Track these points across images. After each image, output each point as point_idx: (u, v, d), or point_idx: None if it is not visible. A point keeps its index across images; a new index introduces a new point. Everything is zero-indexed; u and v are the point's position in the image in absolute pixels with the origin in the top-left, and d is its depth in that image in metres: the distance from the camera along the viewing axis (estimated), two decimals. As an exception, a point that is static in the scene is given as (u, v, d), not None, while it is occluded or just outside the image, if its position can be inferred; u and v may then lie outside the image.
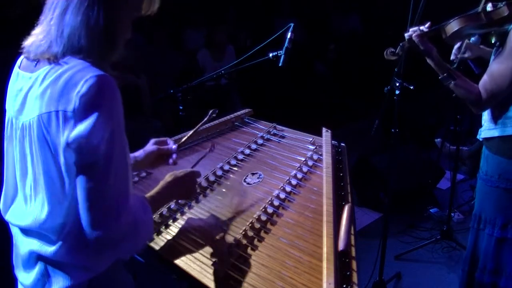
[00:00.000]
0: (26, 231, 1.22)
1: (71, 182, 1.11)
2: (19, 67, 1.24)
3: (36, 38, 1.17)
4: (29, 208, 1.19)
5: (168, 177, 1.45)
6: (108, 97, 1.08)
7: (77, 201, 1.12)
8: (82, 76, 1.08)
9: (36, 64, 1.17)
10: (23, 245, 1.23)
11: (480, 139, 2.11)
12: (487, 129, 2.06)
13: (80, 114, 1.06)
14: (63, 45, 1.12)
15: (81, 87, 1.06)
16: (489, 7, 2.00)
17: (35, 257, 1.19)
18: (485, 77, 1.97)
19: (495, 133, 2.01)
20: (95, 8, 1.12)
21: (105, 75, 1.09)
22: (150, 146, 1.58)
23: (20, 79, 1.21)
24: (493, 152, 2.03)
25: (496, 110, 2.03)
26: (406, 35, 2.12)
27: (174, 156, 1.56)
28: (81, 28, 1.11)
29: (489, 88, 1.95)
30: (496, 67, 1.94)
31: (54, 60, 1.13)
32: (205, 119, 1.80)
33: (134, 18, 1.23)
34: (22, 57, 1.25)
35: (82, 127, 1.06)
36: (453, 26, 2.04)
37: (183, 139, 1.68)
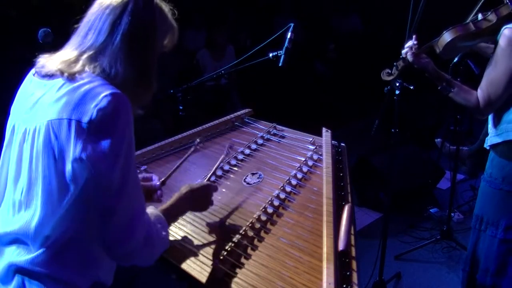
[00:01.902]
0: (6, 239, 1.19)
1: (74, 193, 1.11)
2: (34, 75, 1.25)
3: (58, 60, 1.18)
4: (17, 214, 1.17)
5: (183, 189, 1.44)
6: (124, 117, 1.11)
7: (71, 215, 1.12)
8: (102, 90, 1.10)
9: (51, 76, 1.18)
10: (2, 258, 1.20)
11: (487, 148, 2.12)
12: (492, 135, 2.07)
13: (96, 130, 1.07)
14: (91, 72, 1.15)
15: (100, 101, 1.08)
16: (479, 17, 2.03)
17: (13, 270, 1.17)
18: (481, 84, 2.00)
19: (498, 139, 2.03)
20: (136, 47, 1.16)
21: (123, 94, 1.12)
22: None
23: (34, 84, 1.22)
24: (499, 155, 2.04)
25: (497, 117, 2.05)
26: (403, 52, 2.17)
27: (158, 192, 1.52)
28: (119, 67, 1.15)
29: (485, 94, 1.97)
30: (488, 74, 1.97)
31: (70, 76, 1.14)
32: (190, 151, 1.76)
33: (159, 55, 1.27)
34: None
35: (99, 147, 1.07)
36: (445, 38, 2.09)
37: (168, 174, 1.62)
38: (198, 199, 1.47)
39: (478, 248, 2.16)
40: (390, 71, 2.32)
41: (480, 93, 1.99)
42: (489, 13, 2.01)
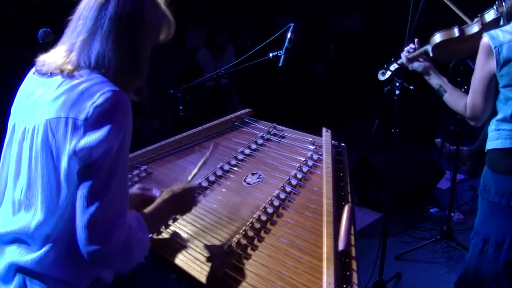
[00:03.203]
0: (6, 238, 1.18)
1: (69, 192, 1.11)
2: (34, 73, 1.26)
3: (55, 56, 1.19)
4: (17, 214, 1.17)
5: (165, 194, 1.41)
6: (121, 113, 1.11)
7: (69, 214, 1.11)
8: (99, 88, 1.10)
9: (50, 74, 1.19)
10: (2, 257, 1.19)
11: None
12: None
13: (91, 125, 1.08)
14: (86, 65, 1.15)
15: (97, 99, 1.09)
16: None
17: (14, 269, 1.16)
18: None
19: (486, 147, 2.02)
20: (125, 35, 1.16)
21: (121, 92, 1.12)
22: (135, 189, 1.53)
23: (33, 83, 1.22)
24: (485, 163, 2.03)
25: (486, 126, 2.04)
26: (402, 54, 2.26)
27: None
28: (110, 53, 1.15)
29: (470, 102, 1.96)
30: (471, 81, 1.96)
31: (69, 74, 1.14)
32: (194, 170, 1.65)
33: (153, 44, 1.27)
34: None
35: (92, 138, 1.07)
36: (431, 42, 2.13)
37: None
38: (181, 202, 1.44)
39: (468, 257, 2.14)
40: (384, 72, 2.42)
41: (467, 100, 1.98)
42: (474, 22, 2.02)
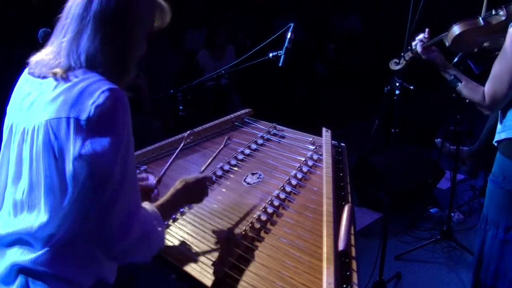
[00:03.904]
0: (7, 240, 1.18)
1: (74, 192, 1.10)
2: (29, 74, 1.24)
3: (44, 57, 1.18)
4: (19, 215, 1.16)
5: (178, 184, 1.44)
6: (122, 112, 1.11)
7: (75, 213, 1.11)
8: (98, 87, 1.10)
9: (44, 77, 1.18)
10: (3, 259, 1.19)
11: (495, 144, 2.12)
12: (498, 132, 2.07)
13: (94, 126, 1.07)
14: (77, 65, 1.14)
15: (97, 98, 1.08)
16: (493, 12, 2.03)
17: (16, 270, 1.16)
18: (488, 80, 2.00)
19: (502, 135, 2.03)
20: (112, 31, 1.15)
21: (119, 89, 1.12)
22: None
23: (30, 83, 1.21)
24: (501, 153, 2.04)
25: (503, 113, 2.06)
26: (413, 44, 2.24)
27: (155, 191, 1.52)
28: (99, 51, 1.14)
29: (491, 90, 1.97)
30: (495, 70, 1.97)
31: (62, 76, 1.13)
32: (182, 144, 1.77)
33: (148, 34, 1.25)
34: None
35: (97, 144, 1.07)
36: (453, 32, 2.10)
37: (162, 171, 1.62)
38: (193, 192, 1.46)
39: (484, 249, 2.15)
40: (398, 61, 2.36)
41: (486, 88, 1.99)
42: (499, 11, 2.01)
